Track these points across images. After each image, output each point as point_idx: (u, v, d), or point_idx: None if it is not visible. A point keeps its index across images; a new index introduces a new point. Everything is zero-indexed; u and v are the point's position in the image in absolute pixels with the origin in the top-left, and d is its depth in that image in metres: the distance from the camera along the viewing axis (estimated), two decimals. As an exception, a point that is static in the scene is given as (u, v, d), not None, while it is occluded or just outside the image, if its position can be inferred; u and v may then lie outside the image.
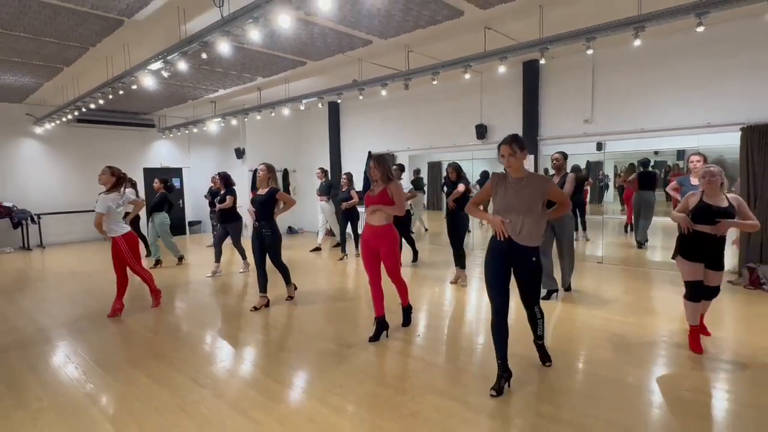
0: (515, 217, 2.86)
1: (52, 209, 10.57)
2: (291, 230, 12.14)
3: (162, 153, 12.53)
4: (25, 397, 3.09)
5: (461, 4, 5.10)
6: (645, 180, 8.25)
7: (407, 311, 4.37)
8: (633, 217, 8.70)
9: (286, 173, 12.19)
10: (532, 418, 2.67)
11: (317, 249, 8.99)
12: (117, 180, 4.74)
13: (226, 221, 6.87)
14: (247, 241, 6.31)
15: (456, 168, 5.97)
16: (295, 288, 5.48)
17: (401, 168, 7.51)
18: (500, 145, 2.94)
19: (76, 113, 8.55)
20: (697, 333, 3.54)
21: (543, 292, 4.84)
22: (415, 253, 7.58)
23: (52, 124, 9.75)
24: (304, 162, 12.35)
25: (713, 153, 6.79)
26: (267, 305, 5.10)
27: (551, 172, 5.38)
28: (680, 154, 9.51)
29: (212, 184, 8.59)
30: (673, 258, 3.61)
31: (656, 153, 9.62)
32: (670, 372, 3.27)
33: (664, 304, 5.04)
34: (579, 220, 9.61)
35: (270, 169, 5.05)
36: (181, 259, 8.01)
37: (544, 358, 3.33)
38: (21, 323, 4.71)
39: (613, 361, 3.45)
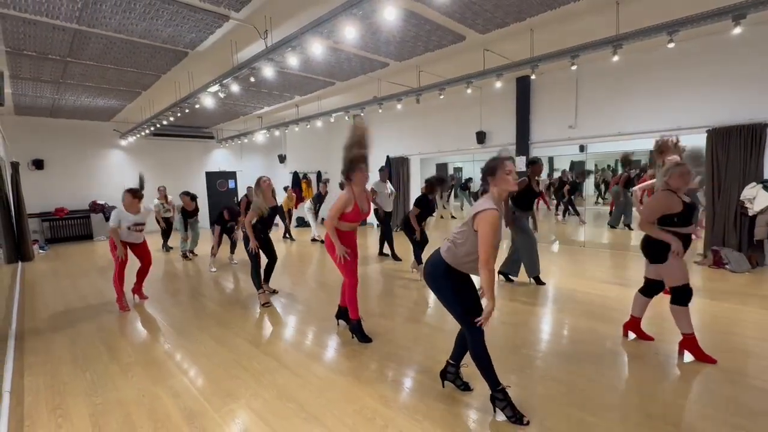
0: None
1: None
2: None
3: (219, 159, 12.70)
4: (118, 354, 3.20)
5: (463, 30, 5.00)
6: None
7: (351, 324, 3.33)
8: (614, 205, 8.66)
9: (319, 175, 12.26)
10: (525, 376, 2.65)
11: (314, 240, 8.73)
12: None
13: (230, 231, 6.49)
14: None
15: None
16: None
17: (384, 173, 6.50)
18: (508, 159, 2.08)
19: (152, 128, 8.72)
20: (694, 340, 2.81)
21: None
22: (392, 253, 6.52)
23: (133, 137, 9.98)
24: (333, 166, 12.38)
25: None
26: (274, 292, 4.78)
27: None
28: (652, 154, 9.19)
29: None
30: (657, 262, 2.84)
31: (631, 153, 9.30)
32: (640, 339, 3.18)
33: (637, 280, 4.89)
34: (571, 206, 9.54)
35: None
36: (184, 255, 7.25)
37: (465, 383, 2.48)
38: (113, 296, 4.85)
39: (594, 330, 3.38)
